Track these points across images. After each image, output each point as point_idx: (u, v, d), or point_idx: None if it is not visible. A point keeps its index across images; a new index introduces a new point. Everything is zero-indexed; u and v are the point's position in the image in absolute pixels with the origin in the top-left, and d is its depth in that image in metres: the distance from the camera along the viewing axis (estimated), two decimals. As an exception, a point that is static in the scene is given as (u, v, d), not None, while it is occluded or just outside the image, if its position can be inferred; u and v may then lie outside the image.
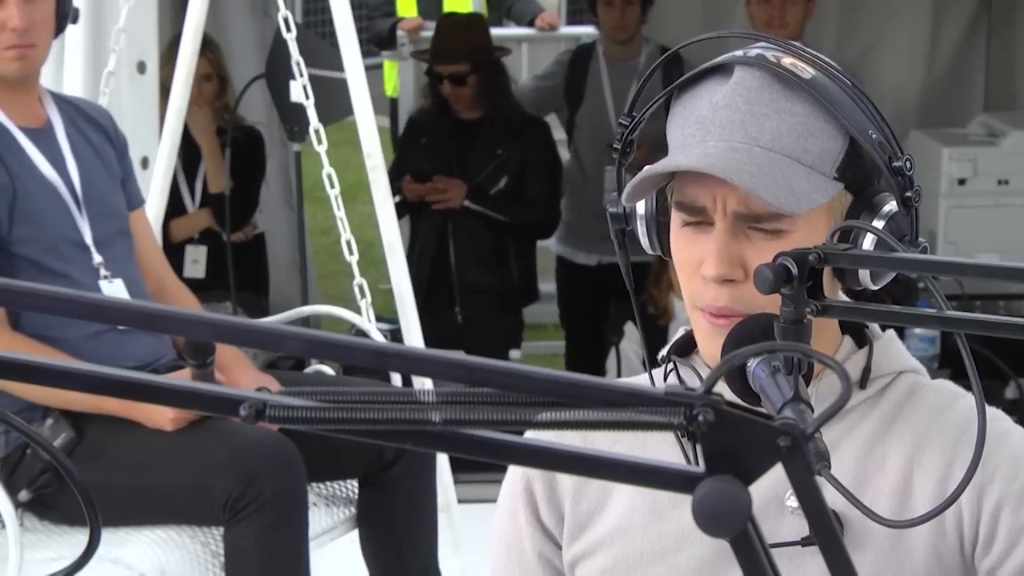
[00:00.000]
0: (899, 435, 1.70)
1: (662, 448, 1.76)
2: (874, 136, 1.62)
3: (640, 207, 1.74)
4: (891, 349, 1.77)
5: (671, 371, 1.81)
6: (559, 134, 6.47)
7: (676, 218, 1.70)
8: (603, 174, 6.11)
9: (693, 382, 1.77)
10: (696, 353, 1.80)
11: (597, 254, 6.16)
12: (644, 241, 1.75)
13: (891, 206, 1.61)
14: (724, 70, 1.67)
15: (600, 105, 6.18)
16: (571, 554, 1.84)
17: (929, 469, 1.67)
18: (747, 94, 1.64)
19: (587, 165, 6.20)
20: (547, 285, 6.71)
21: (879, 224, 1.58)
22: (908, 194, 1.61)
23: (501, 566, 1.91)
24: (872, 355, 1.74)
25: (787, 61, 1.64)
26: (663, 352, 1.83)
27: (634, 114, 1.72)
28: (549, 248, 6.72)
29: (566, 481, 1.84)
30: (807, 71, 1.64)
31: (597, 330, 6.35)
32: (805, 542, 1.65)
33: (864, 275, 1.56)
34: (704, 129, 1.65)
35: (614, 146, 1.74)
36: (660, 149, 1.71)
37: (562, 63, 6.41)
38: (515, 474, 1.89)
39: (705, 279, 1.66)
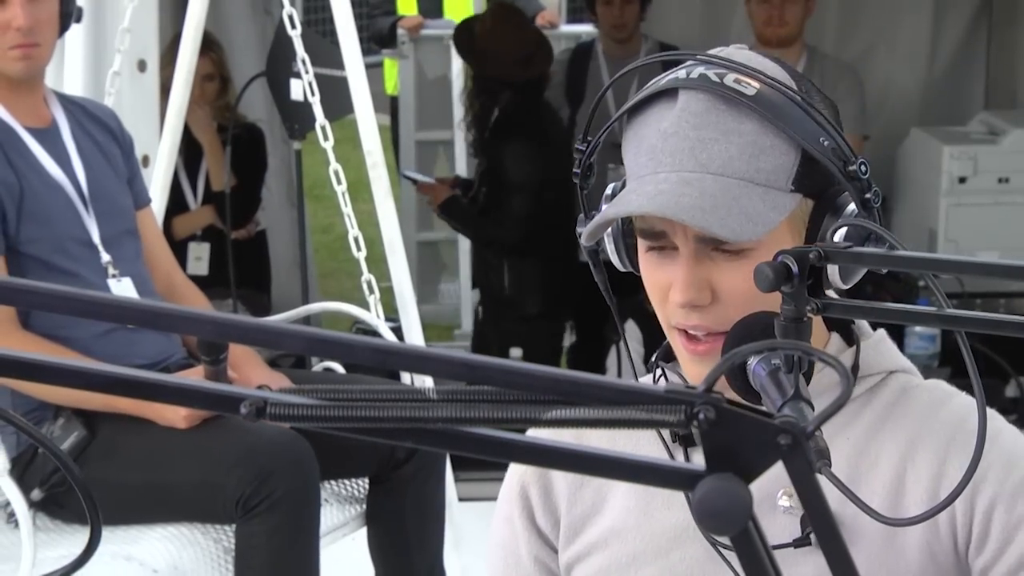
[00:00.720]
0: (892, 434, 1.70)
1: (652, 450, 1.77)
2: (826, 143, 1.61)
3: (608, 228, 1.73)
4: (881, 348, 1.77)
5: (660, 377, 1.81)
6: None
7: (641, 242, 1.70)
8: (606, 171, 6.11)
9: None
10: None
11: None
12: (615, 259, 1.75)
13: (852, 207, 1.61)
14: (670, 94, 1.66)
15: (601, 104, 6.17)
16: (567, 557, 1.84)
17: (922, 468, 1.67)
18: (693, 119, 1.63)
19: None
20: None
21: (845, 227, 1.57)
22: (868, 196, 1.60)
23: (499, 572, 1.92)
24: (859, 353, 1.75)
25: (730, 79, 1.63)
26: (653, 358, 1.84)
27: (589, 138, 1.73)
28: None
29: (561, 486, 1.84)
30: (751, 86, 1.62)
31: (599, 327, 6.35)
32: (798, 543, 1.65)
33: (834, 275, 1.56)
34: (655, 160, 1.64)
35: (574, 170, 1.74)
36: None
37: (561, 62, 6.40)
38: (511, 480, 1.89)
39: (674, 303, 1.67)
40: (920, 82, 6.93)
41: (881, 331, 1.79)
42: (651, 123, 1.66)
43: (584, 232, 1.69)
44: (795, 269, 1.47)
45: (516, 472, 1.89)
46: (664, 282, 1.68)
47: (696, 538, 1.72)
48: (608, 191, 1.72)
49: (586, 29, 7.52)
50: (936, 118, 6.63)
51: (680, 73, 1.66)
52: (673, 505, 1.75)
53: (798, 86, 1.64)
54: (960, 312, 1.41)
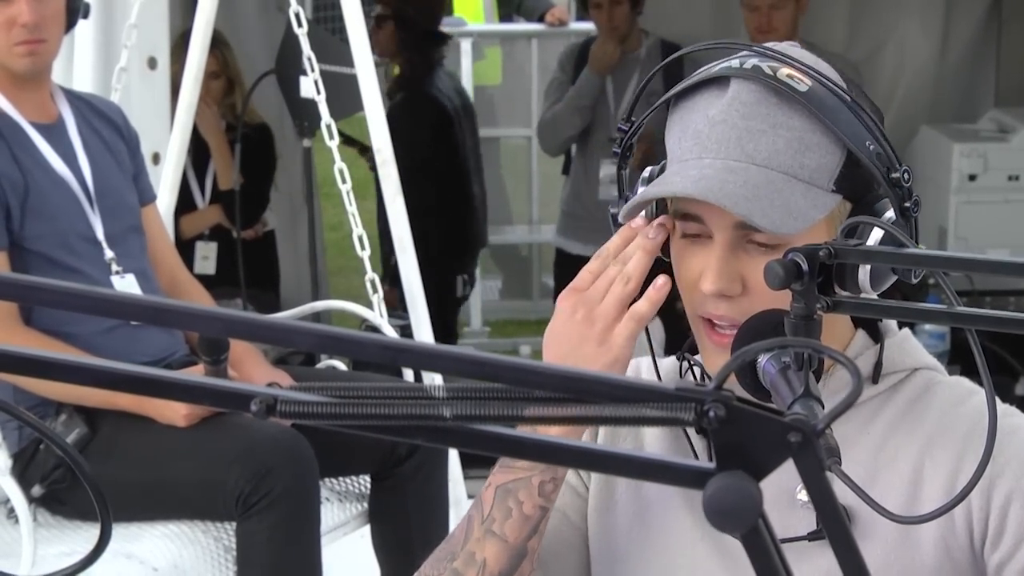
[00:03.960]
0: (911, 430, 1.70)
1: (675, 441, 1.77)
2: (872, 148, 1.61)
3: (643, 210, 1.73)
4: (906, 346, 1.77)
5: (687, 370, 1.81)
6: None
7: (676, 228, 1.70)
8: (601, 166, 6.10)
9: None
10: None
11: (595, 244, 6.14)
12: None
13: (890, 214, 1.61)
14: (720, 82, 1.66)
15: (601, 98, 6.16)
16: (596, 527, 1.84)
17: (940, 464, 1.67)
18: (743, 109, 1.63)
19: (587, 157, 6.19)
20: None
21: (875, 237, 1.56)
22: (907, 204, 1.61)
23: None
24: (883, 351, 1.74)
25: (783, 73, 1.63)
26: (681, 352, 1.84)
27: (633, 119, 1.73)
28: (549, 242, 6.70)
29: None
30: (804, 83, 1.63)
31: None
32: (812, 536, 1.65)
33: (864, 281, 1.56)
34: (700, 145, 1.65)
35: (614, 150, 1.74)
36: (659, 143, 1.71)
37: (570, 57, 6.38)
38: None
39: (703, 292, 1.67)
40: (930, 79, 6.92)
41: (906, 329, 1.79)
42: (699, 108, 1.67)
43: (621, 212, 1.69)
44: (805, 267, 1.47)
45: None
46: (695, 270, 1.68)
47: (705, 537, 1.73)
48: (645, 173, 1.73)
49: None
50: (946, 116, 6.62)
51: (733, 62, 1.66)
52: (670, 507, 1.76)
53: (848, 88, 1.65)
54: (970, 310, 1.41)
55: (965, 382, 1.76)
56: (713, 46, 1.72)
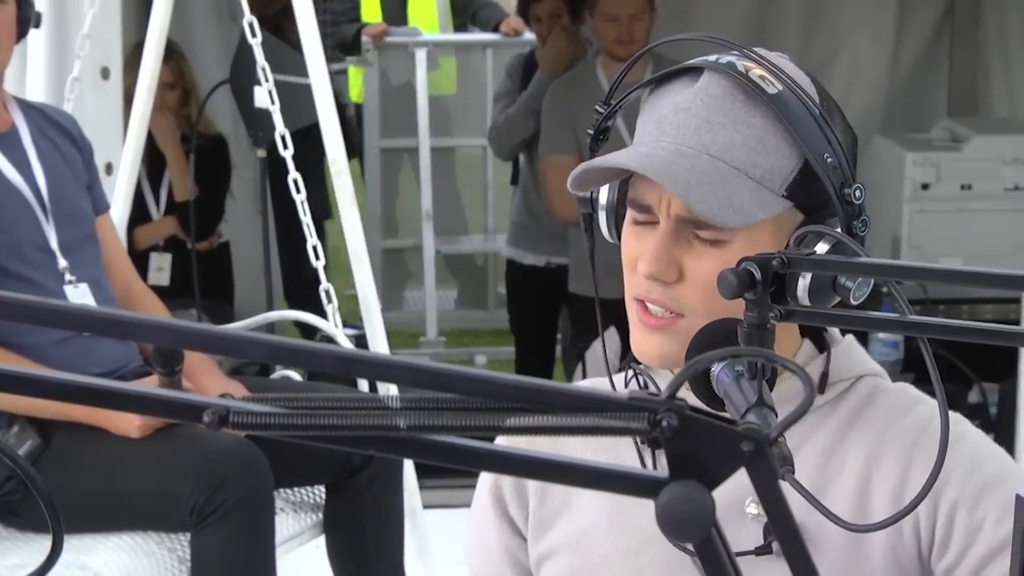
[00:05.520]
0: (858, 439, 1.71)
1: (631, 451, 1.77)
2: (829, 160, 1.62)
3: (603, 196, 1.75)
4: (851, 354, 1.78)
5: (632, 378, 1.81)
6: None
7: (628, 214, 1.72)
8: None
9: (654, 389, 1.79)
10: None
11: (546, 255, 6.15)
12: (603, 228, 1.77)
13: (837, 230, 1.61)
14: (694, 72, 1.68)
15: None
16: (536, 552, 1.85)
17: (887, 473, 1.68)
18: (709, 100, 1.65)
19: (536, 167, 6.19)
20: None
21: (824, 247, 1.56)
22: (855, 222, 1.62)
23: (474, 560, 1.94)
24: (830, 359, 1.75)
25: (756, 73, 1.64)
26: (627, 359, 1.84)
27: (611, 102, 1.73)
28: (492, 253, 6.69)
29: (533, 480, 1.84)
30: (774, 86, 1.64)
31: (547, 335, 6.35)
32: (759, 551, 1.66)
33: (803, 296, 1.56)
34: (660, 129, 1.66)
35: (588, 131, 1.74)
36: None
37: (517, 66, 6.37)
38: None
39: (640, 274, 1.68)
40: (882, 89, 6.95)
41: (850, 336, 1.80)
42: (668, 96, 1.68)
43: (570, 179, 1.69)
44: (758, 276, 1.47)
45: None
46: (637, 253, 1.69)
47: (666, 540, 1.73)
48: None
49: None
50: (899, 126, 6.66)
51: (711, 56, 1.68)
52: (643, 507, 1.75)
53: (820, 102, 1.66)
54: (923, 319, 1.42)
55: (910, 389, 1.77)
56: (710, 39, 1.73)
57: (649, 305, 1.69)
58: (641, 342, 1.71)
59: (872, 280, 1.57)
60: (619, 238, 1.75)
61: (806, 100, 1.64)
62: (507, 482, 1.87)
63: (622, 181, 1.73)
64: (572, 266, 5.82)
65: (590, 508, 1.81)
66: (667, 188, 1.59)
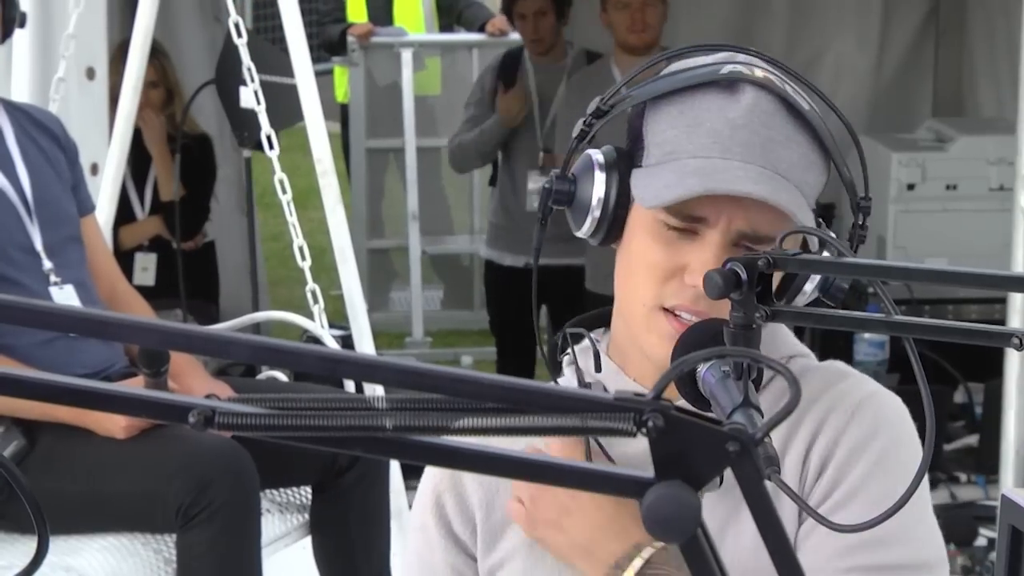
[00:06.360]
0: (790, 418, 1.71)
1: None
2: (847, 174, 1.68)
3: (597, 191, 1.71)
4: (777, 336, 1.79)
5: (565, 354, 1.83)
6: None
7: (658, 219, 1.68)
8: (528, 178, 6.09)
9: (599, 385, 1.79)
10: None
11: (524, 255, 6.14)
12: (588, 226, 1.73)
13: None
14: (727, 85, 1.66)
15: (527, 108, 6.17)
16: (487, 565, 1.83)
17: (799, 441, 1.70)
18: (764, 118, 1.65)
19: (515, 168, 6.19)
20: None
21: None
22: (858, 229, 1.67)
23: None
24: None
25: (789, 89, 1.66)
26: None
27: (611, 104, 1.72)
28: (478, 253, 6.68)
29: (476, 493, 1.82)
30: (802, 102, 1.66)
31: (525, 336, 6.35)
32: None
33: (811, 293, 1.58)
34: (721, 145, 1.64)
35: (573, 134, 1.73)
36: None
37: (489, 72, 6.36)
38: (425, 488, 1.86)
39: (684, 284, 1.66)
40: (868, 90, 6.97)
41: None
42: (708, 107, 1.66)
43: (649, 197, 1.66)
44: (744, 276, 1.47)
45: (430, 480, 1.86)
46: (676, 262, 1.67)
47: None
48: (600, 158, 1.71)
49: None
50: (884, 126, 6.67)
51: (737, 68, 1.67)
52: None
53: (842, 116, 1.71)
54: (908, 319, 1.42)
55: (838, 364, 1.79)
56: (716, 46, 1.73)
57: (682, 314, 1.67)
58: (665, 349, 1.67)
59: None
60: (612, 239, 1.74)
61: (840, 117, 1.68)
62: (449, 499, 1.83)
63: (622, 181, 1.72)
64: (589, 266, 5.78)
65: None
66: (784, 210, 1.60)
